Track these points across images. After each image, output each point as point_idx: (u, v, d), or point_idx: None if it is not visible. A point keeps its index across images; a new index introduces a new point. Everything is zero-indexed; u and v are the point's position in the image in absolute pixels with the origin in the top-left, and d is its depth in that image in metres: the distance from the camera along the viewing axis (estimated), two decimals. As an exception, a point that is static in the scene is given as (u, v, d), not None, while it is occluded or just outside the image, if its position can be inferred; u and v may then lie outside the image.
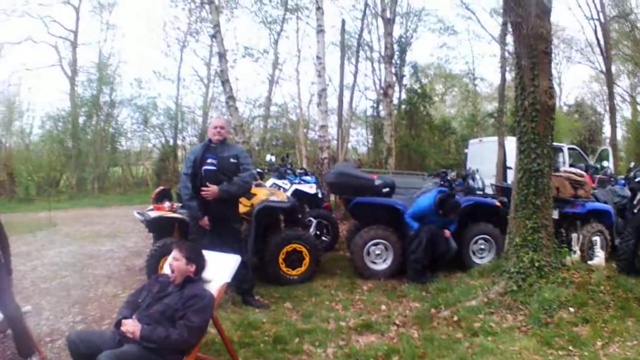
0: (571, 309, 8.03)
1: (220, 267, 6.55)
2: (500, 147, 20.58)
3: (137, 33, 65.98)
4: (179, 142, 37.02)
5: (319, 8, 21.66)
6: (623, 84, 47.81)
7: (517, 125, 9.45)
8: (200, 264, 6.30)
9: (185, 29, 36.09)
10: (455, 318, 8.35)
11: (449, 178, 13.53)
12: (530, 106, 9.09)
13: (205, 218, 8.99)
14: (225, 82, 21.79)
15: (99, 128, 34.67)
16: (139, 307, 5.95)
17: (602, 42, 32.24)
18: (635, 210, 11.01)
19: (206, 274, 6.36)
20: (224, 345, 6.82)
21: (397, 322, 8.53)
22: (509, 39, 16.10)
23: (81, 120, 34.60)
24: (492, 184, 16.37)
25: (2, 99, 35.99)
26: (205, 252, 6.53)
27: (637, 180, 12.33)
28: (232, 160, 9.05)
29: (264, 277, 10.90)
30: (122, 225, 18.82)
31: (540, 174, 9.10)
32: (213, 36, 23.31)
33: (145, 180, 35.78)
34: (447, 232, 11.26)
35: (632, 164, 22.16)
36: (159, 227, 10.92)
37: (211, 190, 8.88)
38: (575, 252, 10.51)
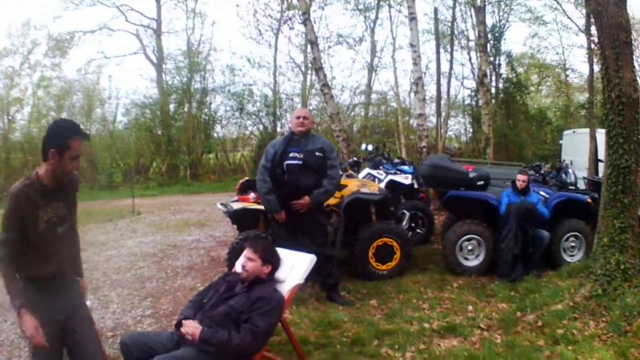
0: None
1: (294, 268, 6.33)
2: (592, 139, 20.20)
3: (227, 21, 66.76)
4: (278, 129, 36.98)
5: None
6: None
7: (606, 119, 8.99)
8: (276, 264, 6.12)
9: (277, 17, 36.51)
10: (540, 323, 8.02)
11: (542, 171, 13.34)
12: (616, 99, 8.62)
13: (283, 213, 8.75)
14: (318, 69, 21.72)
15: (191, 115, 35.01)
16: (203, 307, 5.78)
17: None
18: None
19: (278, 274, 6.16)
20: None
21: (482, 325, 8.21)
22: (594, 30, 15.60)
23: (171, 107, 35.25)
24: (584, 178, 15.98)
25: (80, 88, 36.76)
26: (279, 250, 6.35)
27: None
28: (317, 153, 8.78)
29: (353, 271, 10.69)
30: (213, 214, 18.45)
31: (628, 171, 8.64)
32: (303, 23, 23.25)
33: (241, 167, 36.00)
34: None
35: None
36: (242, 219, 10.81)
37: (303, 202, 8.67)
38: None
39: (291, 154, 8.71)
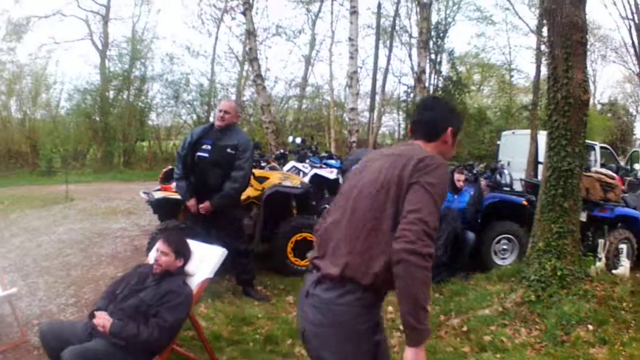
0: (590, 327, 7.41)
1: (204, 261, 6.19)
2: (533, 140, 20.37)
3: (172, 9, 67.08)
4: (211, 119, 34.98)
5: None
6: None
7: (548, 120, 8.85)
8: (188, 257, 6.01)
9: (221, 6, 36.46)
10: (465, 328, 7.75)
11: (475, 171, 13.09)
12: (562, 99, 8.47)
13: (192, 200, 8.50)
14: (253, 60, 22.05)
15: (128, 103, 34.95)
16: (116, 298, 5.63)
17: (636, 42, 31.74)
18: None
19: (188, 267, 6.03)
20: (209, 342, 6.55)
21: (402, 327, 7.71)
22: (545, 32, 15.73)
23: (111, 94, 35.03)
24: (521, 179, 15.99)
25: (29, 72, 36.25)
26: (191, 243, 6.21)
27: None
28: (229, 150, 8.40)
29: (272, 266, 10.41)
30: (141, 202, 17.94)
31: (570, 174, 8.49)
32: (243, 13, 23.29)
33: (173, 155, 35.39)
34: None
35: None
36: (163, 209, 10.51)
37: (205, 207, 8.43)
38: (600, 259, 9.84)
39: (203, 146, 8.49)
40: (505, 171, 12.99)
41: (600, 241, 10.40)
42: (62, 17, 36.25)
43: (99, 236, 13.15)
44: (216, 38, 37.83)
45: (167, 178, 11.09)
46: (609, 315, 7.67)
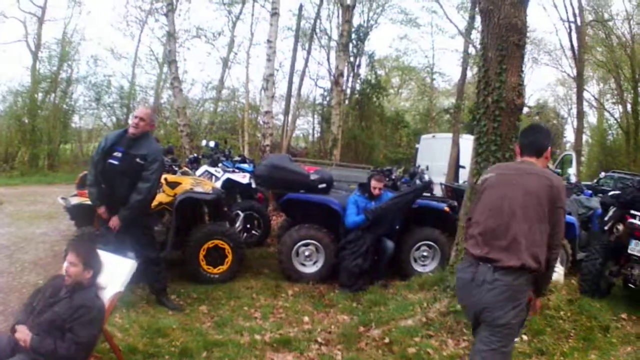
0: (525, 337, 7.31)
1: (114, 273, 6.01)
2: (455, 144, 20.20)
3: (101, 11, 67.72)
4: (129, 122, 36.29)
5: None
6: (591, 89, 49.28)
7: (477, 124, 8.65)
8: (97, 269, 5.79)
9: (147, 8, 36.64)
10: (387, 340, 7.45)
11: (393, 176, 13.03)
12: (494, 104, 8.29)
13: (102, 208, 8.25)
14: (172, 62, 22.04)
15: (55, 105, 34.70)
16: (33, 311, 5.53)
17: (575, 45, 32.24)
18: (606, 227, 10.41)
19: (100, 279, 5.81)
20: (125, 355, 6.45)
21: (320, 339, 7.63)
22: (475, 35, 15.61)
23: (40, 96, 34.73)
24: (442, 184, 15.85)
25: None
26: (101, 253, 6.02)
27: (609, 194, 11.85)
28: (138, 160, 8.12)
29: (185, 274, 10.22)
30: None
31: None
32: (165, 15, 23.55)
33: (92, 159, 35.64)
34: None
35: (602, 174, 22.43)
36: (79, 215, 10.41)
37: (113, 224, 8.13)
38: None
39: (115, 153, 8.18)
40: (426, 176, 12.77)
41: None
42: (4, 18, 35.94)
43: (24, 241, 12.90)
44: (139, 40, 37.98)
45: (83, 183, 10.66)
46: (546, 324, 7.61)
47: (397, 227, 10.99)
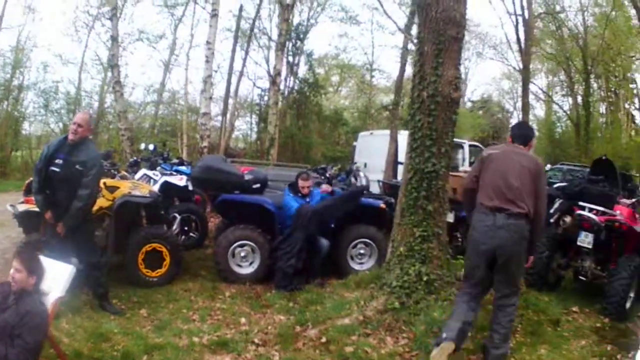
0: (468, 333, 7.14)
1: (56, 279, 6.05)
2: (393, 141, 20.14)
3: (53, 16, 68.10)
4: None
5: None
6: (539, 82, 50.11)
7: (411, 119, 8.67)
8: (41, 275, 5.93)
9: (94, 13, 36.71)
10: (324, 339, 7.41)
11: (328, 174, 13.13)
12: (429, 98, 8.33)
13: (49, 212, 8.21)
14: (114, 66, 22.27)
15: (7, 112, 34.84)
16: None
17: (522, 38, 32.44)
18: (552, 220, 10.43)
19: (43, 285, 5.94)
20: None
21: (257, 340, 7.64)
22: (415, 30, 15.70)
23: None
24: (379, 181, 15.79)
25: None
26: (44, 259, 6.14)
27: (555, 186, 12.01)
28: (78, 167, 8.10)
29: (126, 278, 10.16)
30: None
31: (434, 175, 8.36)
32: (110, 19, 23.62)
33: (39, 167, 35.67)
34: (324, 187, 11.00)
35: (547, 166, 22.38)
36: (27, 222, 10.20)
37: (60, 230, 8.13)
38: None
39: (56, 160, 8.19)
40: (361, 173, 12.85)
41: None
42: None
43: (-24, 249, 12.82)
44: (86, 45, 37.75)
45: (29, 190, 10.52)
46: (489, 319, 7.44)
47: (332, 225, 11.02)
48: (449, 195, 9.25)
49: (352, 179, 12.70)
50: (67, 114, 36.08)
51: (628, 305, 9.36)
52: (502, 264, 6.70)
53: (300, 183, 10.75)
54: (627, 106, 47.14)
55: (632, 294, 9.49)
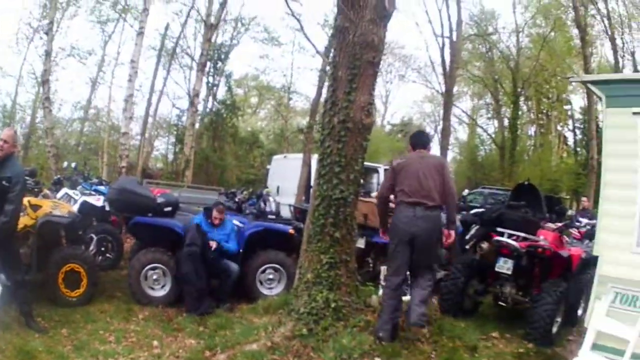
0: (378, 359, 7.53)
1: None
2: (305, 165, 20.53)
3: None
4: None
5: (145, 9, 22.00)
6: (463, 105, 51.81)
7: (321, 145, 9.03)
8: None
9: (35, 25, 36.29)
10: None
11: (237, 199, 13.56)
12: (339, 124, 8.68)
13: None
14: (45, 82, 22.57)
15: None
16: None
17: (447, 61, 33.00)
18: (468, 246, 11.11)
19: None
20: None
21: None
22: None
23: None
24: (290, 205, 16.13)
25: None
26: None
27: (472, 212, 12.60)
28: (4, 183, 8.37)
29: (47, 297, 10.36)
30: None
31: (342, 203, 8.69)
32: (46, 33, 24.08)
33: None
34: (211, 243, 10.84)
35: (465, 191, 23.10)
36: None
37: None
38: (383, 287, 9.87)
39: None
40: (270, 198, 13.34)
41: (383, 268, 10.32)
42: None
43: None
44: (24, 58, 37.56)
45: None
46: (401, 347, 7.91)
47: (241, 250, 11.38)
48: (359, 221, 9.79)
49: (261, 204, 13.08)
50: (1, 128, 35.08)
51: (555, 329, 9.70)
52: (420, 247, 8.42)
53: (214, 214, 11.10)
54: (559, 128, 48.29)
55: (558, 319, 9.83)
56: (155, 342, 8.81)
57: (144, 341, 8.96)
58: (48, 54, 22.63)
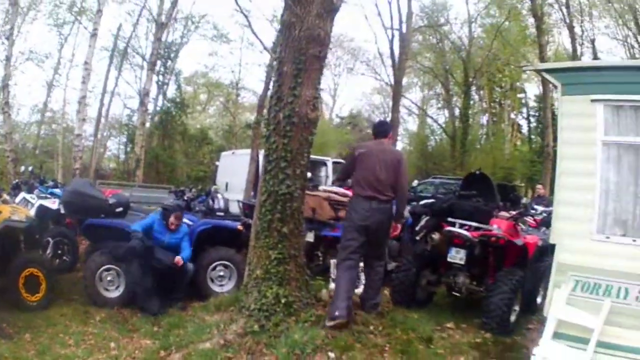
0: (331, 354, 7.59)
1: None
2: (253, 160, 20.62)
3: None
4: None
5: (99, 11, 22.09)
6: (413, 96, 52.05)
7: (267, 141, 9.09)
8: None
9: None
10: None
11: (186, 197, 13.80)
12: (285, 119, 8.73)
13: None
14: (5, 87, 22.74)
15: None
16: None
17: (397, 53, 33.11)
18: (418, 237, 11.13)
19: None
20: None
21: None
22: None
23: None
24: (239, 201, 16.23)
25: None
26: None
27: (421, 203, 12.59)
28: None
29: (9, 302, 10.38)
30: None
31: (289, 197, 8.75)
32: (7, 38, 24.55)
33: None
34: (177, 258, 10.84)
35: (415, 182, 23.56)
36: None
37: None
38: (334, 280, 9.98)
39: None
40: (219, 195, 13.46)
41: (333, 261, 10.60)
42: None
43: None
44: None
45: None
46: (354, 340, 7.96)
47: (191, 248, 11.36)
48: (308, 215, 10.01)
49: (210, 201, 13.24)
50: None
51: (513, 318, 9.81)
52: (372, 238, 9.19)
53: (171, 219, 11.10)
54: (513, 116, 48.61)
55: (516, 307, 9.95)
56: (112, 344, 8.87)
57: (101, 343, 9.00)
58: (8, 59, 22.97)
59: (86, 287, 11.20)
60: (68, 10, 35.44)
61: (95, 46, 22.24)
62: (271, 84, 16.38)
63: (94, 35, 21.94)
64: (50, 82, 38.88)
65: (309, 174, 9.72)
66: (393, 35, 33.95)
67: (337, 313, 8.26)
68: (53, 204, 13.73)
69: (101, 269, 11.11)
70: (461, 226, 10.38)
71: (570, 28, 35.25)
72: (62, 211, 13.54)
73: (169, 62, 38.11)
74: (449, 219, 10.57)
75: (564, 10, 34.91)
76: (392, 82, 36.31)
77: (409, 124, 57.34)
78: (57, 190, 14.79)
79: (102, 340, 9.16)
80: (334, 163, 23.12)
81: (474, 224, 10.40)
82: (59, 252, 13.60)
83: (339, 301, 8.46)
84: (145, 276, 10.60)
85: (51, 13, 35.66)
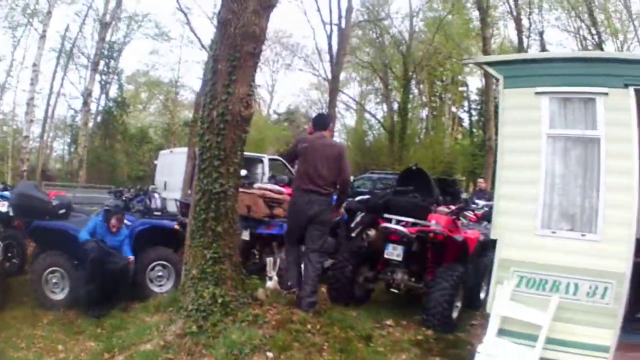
0: (270, 354, 7.57)
1: None
2: (190, 159, 20.59)
3: None
4: None
5: (49, 12, 21.94)
6: (351, 91, 52.23)
7: (200, 140, 9.08)
8: None
9: None
10: None
11: (124, 197, 13.79)
12: (218, 117, 8.72)
13: None
14: None
15: None
16: None
17: (334, 48, 33.18)
18: (353, 234, 11.07)
19: None
20: None
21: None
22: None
23: None
24: (176, 200, 16.37)
25: None
26: None
27: (357, 199, 12.64)
28: None
29: None
30: None
31: (223, 196, 8.74)
32: None
33: None
34: (130, 258, 10.93)
35: (351, 178, 22.84)
36: None
37: None
38: (271, 278, 10.22)
39: None
40: (156, 195, 13.56)
41: (269, 260, 10.68)
42: None
43: None
44: None
45: None
46: (292, 339, 7.91)
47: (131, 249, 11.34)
48: (243, 213, 10.09)
49: (147, 201, 13.30)
50: None
51: (455, 314, 9.85)
52: (313, 227, 9.54)
53: (113, 222, 11.09)
54: (454, 110, 48.98)
55: (458, 304, 9.98)
56: (60, 347, 8.96)
57: (50, 346, 9.06)
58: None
59: (34, 290, 11.18)
60: (22, 13, 35.02)
61: (44, 48, 22.46)
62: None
63: (43, 36, 22.23)
64: (2, 84, 38.71)
65: (244, 172, 10.04)
66: (332, 31, 34.07)
67: (289, 283, 9.70)
68: (2, 206, 13.77)
69: (47, 271, 11.10)
70: (398, 222, 10.40)
71: (517, 20, 35.70)
72: (12, 214, 13.59)
73: (112, 62, 38.31)
74: (386, 215, 10.59)
75: (511, 2, 35.37)
76: (330, 78, 36.40)
77: (347, 119, 58.07)
78: (6, 193, 14.69)
79: (50, 343, 9.19)
80: (271, 160, 23.23)
81: (410, 219, 10.41)
82: (9, 254, 13.56)
83: (292, 276, 9.83)
84: (91, 279, 10.56)
85: (7, 16, 35.25)
